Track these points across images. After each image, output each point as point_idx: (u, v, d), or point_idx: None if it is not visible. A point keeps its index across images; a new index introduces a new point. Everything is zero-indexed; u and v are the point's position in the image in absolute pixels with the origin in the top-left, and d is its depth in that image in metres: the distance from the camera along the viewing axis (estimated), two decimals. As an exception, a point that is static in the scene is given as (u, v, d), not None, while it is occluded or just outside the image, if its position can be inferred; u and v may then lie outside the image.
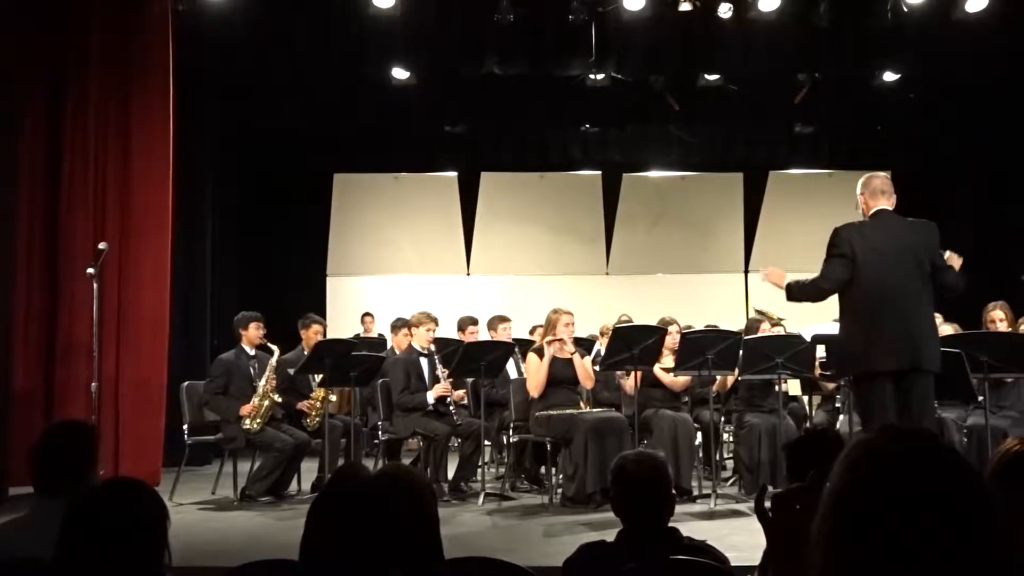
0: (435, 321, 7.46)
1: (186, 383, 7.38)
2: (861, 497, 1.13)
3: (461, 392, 7.32)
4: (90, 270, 7.01)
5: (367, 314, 11.07)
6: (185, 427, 7.20)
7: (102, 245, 7.12)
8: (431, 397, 7.10)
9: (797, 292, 5.19)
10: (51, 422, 6.08)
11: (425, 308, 7.80)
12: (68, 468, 2.82)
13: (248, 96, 10.31)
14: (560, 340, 6.84)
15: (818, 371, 6.87)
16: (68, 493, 2.61)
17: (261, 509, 6.70)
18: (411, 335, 7.51)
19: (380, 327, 10.46)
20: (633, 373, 6.83)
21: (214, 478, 7.51)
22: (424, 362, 7.32)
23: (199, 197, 9.40)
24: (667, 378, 7.16)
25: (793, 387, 7.88)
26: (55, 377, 7.44)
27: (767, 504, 2.19)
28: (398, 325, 8.35)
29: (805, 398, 7.59)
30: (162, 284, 7.72)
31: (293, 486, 7.32)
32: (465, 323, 8.24)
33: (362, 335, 10.46)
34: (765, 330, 7.47)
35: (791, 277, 5.25)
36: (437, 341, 7.67)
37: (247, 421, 6.96)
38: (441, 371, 7.23)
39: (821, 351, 6.54)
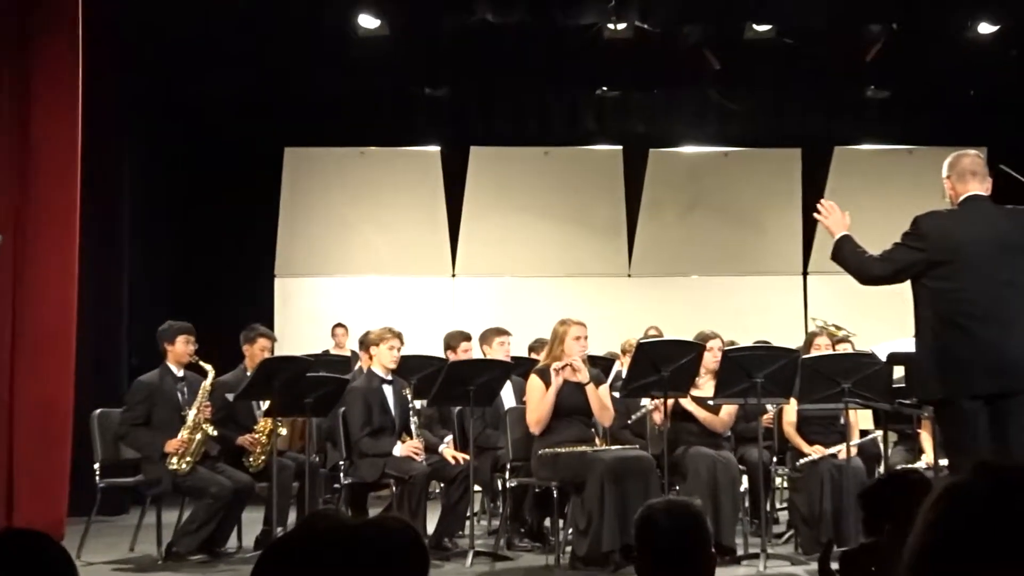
0: (399, 337, 7.47)
1: (98, 411, 7.37)
2: (951, 553, 1.13)
3: (461, 456, 7.26)
4: (-22, 269, 7.02)
5: (339, 325, 11.09)
6: (96, 466, 7.19)
7: (-5, 238, 7.12)
8: (399, 451, 7.12)
9: (846, 253, 5.21)
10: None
11: (400, 318, 7.81)
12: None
13: (176, 52, 10.31)
14: (570, 365, 6.82)
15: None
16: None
17: (191, 570, 6.69)
18: (370, 357, 7.52)
19: (354, 342, 10.47)
20: (663, 402, 6.83)
21: (132, 531, 7.50)
22: (389, 390, 7.34)
23: (115, 179, 9.40)
24: (703, 413, 7.16)
25: (864, 419, 7.89)
26: (-66, 403, 7.44)
27: (834, 566, 2.21)
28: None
29: (879, 433, 7.60)
30: (68, 287, 7.72)
31: (232, 541, 7.31)
32: (455, 340, 8.18)
33: (332, 351, 10.48)
34: (820, 347, 7.50)
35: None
36: (412, 360, 7.66)
37: (174, 460, 6.96)
38: (413, 409, 7.27)
39: (899, 373, 6.55)
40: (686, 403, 7.13)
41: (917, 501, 1.23)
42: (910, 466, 7.18)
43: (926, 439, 7.22)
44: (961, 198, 5.13)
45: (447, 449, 7.34)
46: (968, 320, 4.94)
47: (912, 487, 2.62)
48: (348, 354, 10.28)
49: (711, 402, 7.07)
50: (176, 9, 9.49)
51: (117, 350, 9.38)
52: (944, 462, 6.39)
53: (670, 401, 6.91)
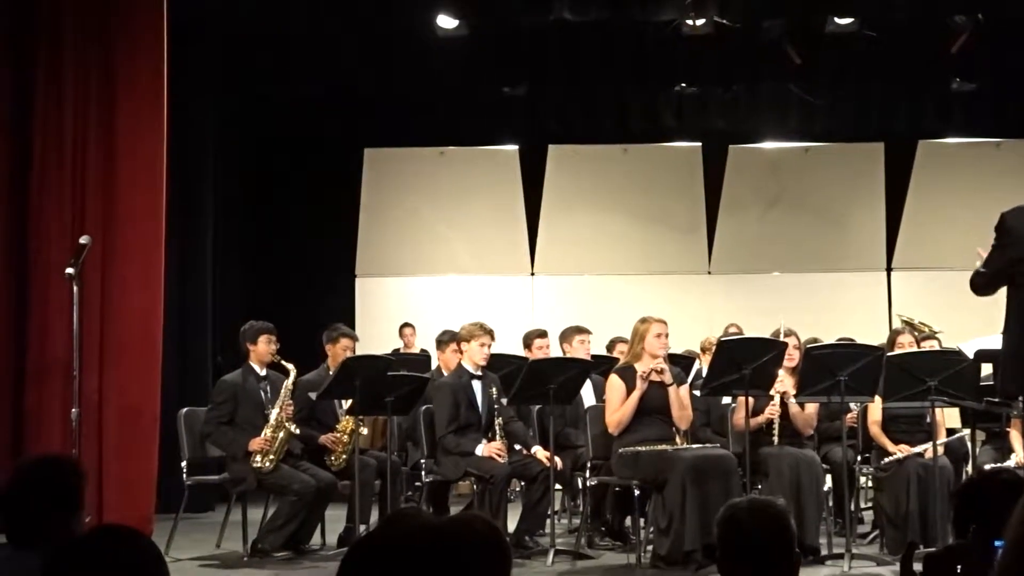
0: (491, 334, 7.49)
1: (184, 410, 7.51)
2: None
3: (556, 459, 7.20)
4: (69, 270, 7.07)
5: (407, 325, 11.16)
6: (183, 465, 7.32)
7: (84, 239, 7.19)
8: (482, 451, 7.12)
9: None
10: (22, 457, 6.24)
11: (479, 317, 7.83)
12: (47, 513, 2.90)
13: (257, 54, 10.45)
14: (656, 370, 6.78)
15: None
16: (46, 543, 2.69)
17: (276, 567, 6.80)
18: (461, 352, 7.55)
19: (423, 341, 10.52)
20: (744, 400, 6.79)
21: (219, 528, 7.65)
22: (478, 386, 7.36)
23: (197, 180, 9.54)
24: (796, 409, 7.08)
25: (951, 418, 7.76)
26: (25, 403, 7.58)
27: (917, 567, 2.18)
28: (446, 340, 8.39)
29: (966, 432, 7.47)
30: (154, 288, 7.83)
31: (315, 538, 7.41)
32: (532, 337, 8.23)
33: (401, 351, 10.55)
34: (904, 344, 7.39)
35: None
36: (492, 358, 7.69)
37: (258, 458, 7.06)
38: (499, 408, 7.26)
39: (987, 371, 6.44)
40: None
41: (1011, 501, 1.21)
42: (1002, 465, 7.06)
43: (1016, 438, 7.08)
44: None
45: (541, 451, 7.33)
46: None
47: (1006, 487, 2.57)
48: (419, 353, 10.34)
49: (794, 400, 7.01)
50: (257, 11, 9.62)
51: (202, 350, 9.52)
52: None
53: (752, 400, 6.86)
